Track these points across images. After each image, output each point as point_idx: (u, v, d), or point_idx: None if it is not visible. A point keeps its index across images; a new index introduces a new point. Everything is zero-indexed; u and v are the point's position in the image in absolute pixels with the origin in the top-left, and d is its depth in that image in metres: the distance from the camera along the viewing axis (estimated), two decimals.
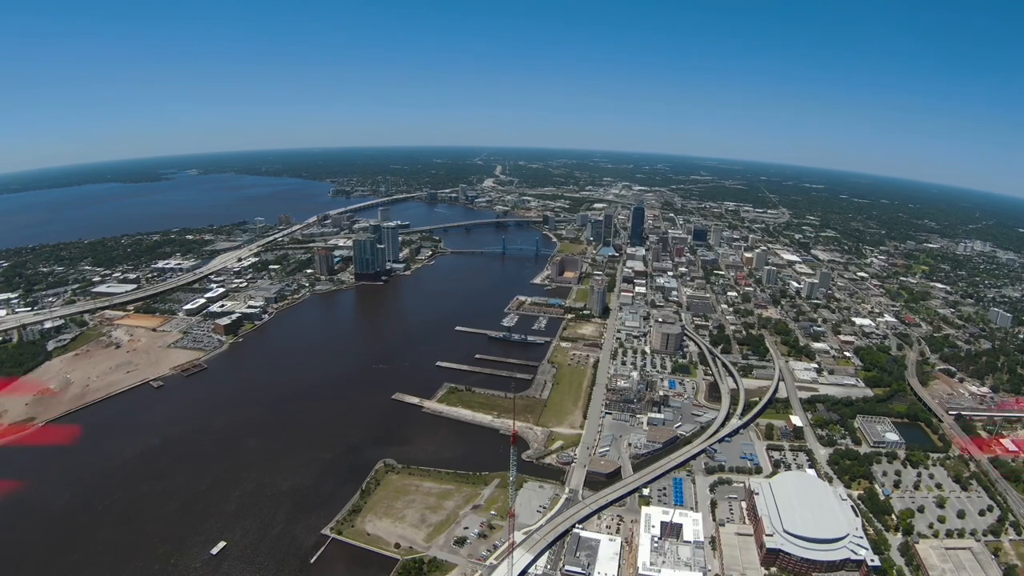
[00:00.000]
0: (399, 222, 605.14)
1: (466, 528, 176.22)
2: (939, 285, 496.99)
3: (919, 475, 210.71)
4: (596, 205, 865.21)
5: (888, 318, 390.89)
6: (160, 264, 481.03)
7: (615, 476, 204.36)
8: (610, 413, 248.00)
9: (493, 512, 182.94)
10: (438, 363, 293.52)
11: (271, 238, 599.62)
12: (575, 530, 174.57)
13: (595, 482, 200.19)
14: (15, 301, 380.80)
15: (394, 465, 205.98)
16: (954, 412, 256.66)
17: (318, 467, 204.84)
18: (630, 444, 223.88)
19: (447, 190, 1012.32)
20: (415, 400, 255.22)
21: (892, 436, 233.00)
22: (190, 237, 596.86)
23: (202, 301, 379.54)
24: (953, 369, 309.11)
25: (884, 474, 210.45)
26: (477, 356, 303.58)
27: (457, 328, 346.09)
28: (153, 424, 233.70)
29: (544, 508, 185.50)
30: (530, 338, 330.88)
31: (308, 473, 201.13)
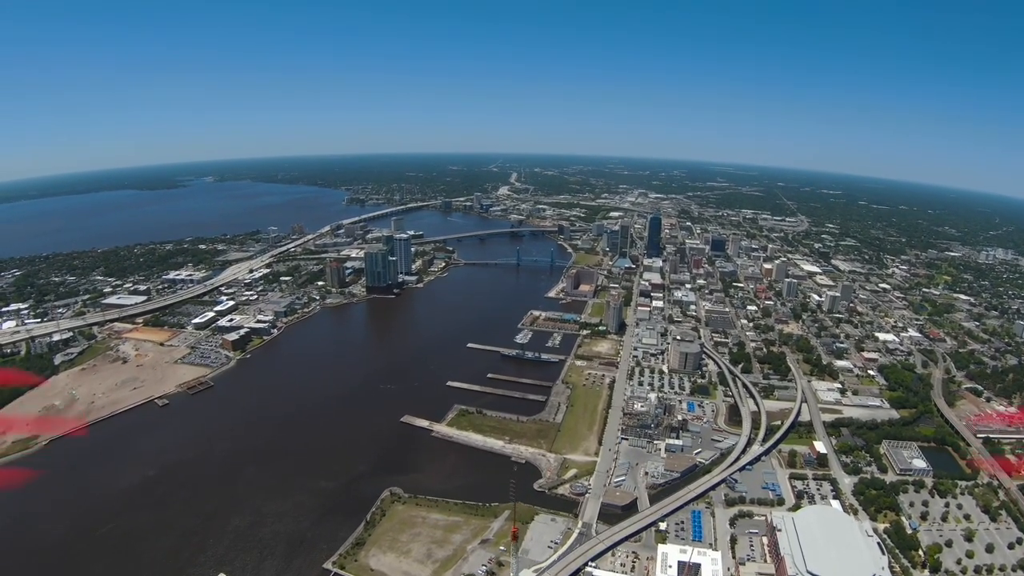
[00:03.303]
0: (412, 232, 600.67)
1: (476, 565, 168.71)
2: (963, 296, 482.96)
3: (947, 505, 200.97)
4: (612, 214, 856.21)
5: (912, 333, 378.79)
6: (171, 275, 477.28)
7: (631, 508, 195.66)
8: (626, 439, 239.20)
9: (502, 548, 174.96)
10: (449, 383, 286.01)
11: (283, 248, 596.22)
12: (588, 568, 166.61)
13: (610, 515, 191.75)
14: (25, 312, 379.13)
15: (400, 495, 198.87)
16: (983, 435, 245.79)
17: (322, 497, 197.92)
18: (647, 473, 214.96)
19: (462, 198, 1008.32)
20: (424, 423, 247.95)
21: (919, 463, 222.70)
22: (203, 247, 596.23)
23: (211, 315, 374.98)
24: (980, 388, 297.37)
25: (911, 504, 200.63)
26: (489, 375, 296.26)
27: (469, 345, 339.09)
28: (155, 447, 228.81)
29: (556, 543, 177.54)
30: (544, 356, 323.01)
31: (311, 503, 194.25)
